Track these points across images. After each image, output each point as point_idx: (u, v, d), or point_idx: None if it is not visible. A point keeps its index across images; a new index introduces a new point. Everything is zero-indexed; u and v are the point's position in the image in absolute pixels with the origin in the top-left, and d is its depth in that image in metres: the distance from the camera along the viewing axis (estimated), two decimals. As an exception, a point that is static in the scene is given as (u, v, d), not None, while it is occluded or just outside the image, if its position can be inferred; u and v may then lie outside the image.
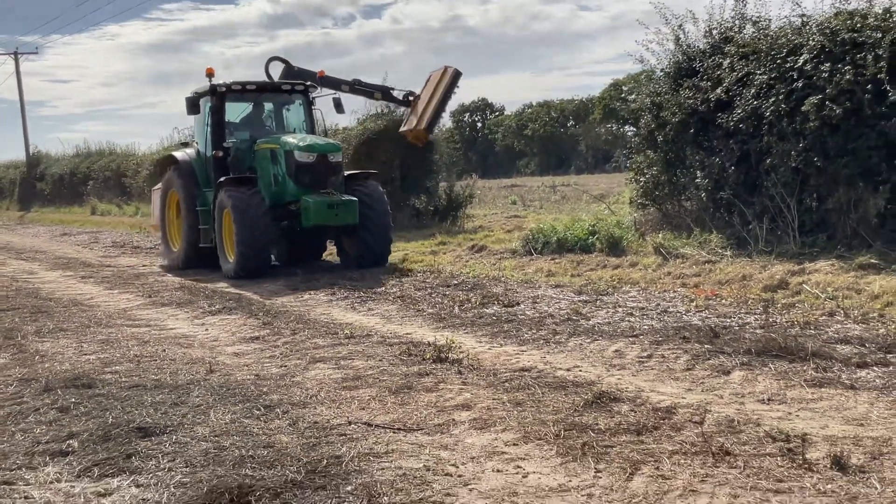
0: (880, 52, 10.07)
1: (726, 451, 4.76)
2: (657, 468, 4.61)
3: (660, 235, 12.54)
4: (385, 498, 4.36)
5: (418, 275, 12.95)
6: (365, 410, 5.99)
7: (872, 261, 9.64)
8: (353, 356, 7.77)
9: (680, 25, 13.37)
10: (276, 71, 18.36)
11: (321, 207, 13.50)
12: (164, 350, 8.37)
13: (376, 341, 8.38)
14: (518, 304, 10.09)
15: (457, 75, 16.70)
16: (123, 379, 7.09)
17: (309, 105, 15.79)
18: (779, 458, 4.64)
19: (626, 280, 11.25)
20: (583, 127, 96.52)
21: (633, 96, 14.54)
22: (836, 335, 7.41)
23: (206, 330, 9.55)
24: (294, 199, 13.93)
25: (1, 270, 16.74)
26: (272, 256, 14.87)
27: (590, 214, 16.37)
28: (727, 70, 11.99)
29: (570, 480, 4.53)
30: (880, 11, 10.56)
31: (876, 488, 4.20)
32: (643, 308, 9.34)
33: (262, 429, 5.58)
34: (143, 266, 16.75)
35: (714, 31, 13.03)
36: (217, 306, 11.02)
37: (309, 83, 16.10)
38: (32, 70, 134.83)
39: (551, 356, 7.42)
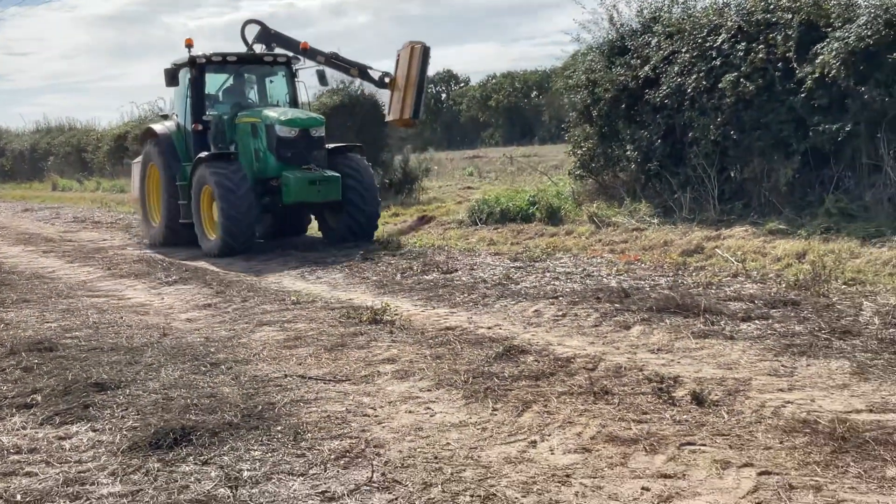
0: (790, 33, 10.84)
1: (606, 391, 5.53)
2: (545, 406, 5.35)
3: (594, 205, 13.31)
4: (309, 435, 5.07)
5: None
6: (301, 366, 6.69)
7: (780, 226, 10.45)
8: (296, 320, 8.45)
9: (614, 5, 14.09)
10: (252, 34, 17.24)
11: (302, 184, 13.29)
12: (122, 317, 9.00)
13: (320, 306, 9.06)
14: (456, 270, 10.80)
15: (426, 52, 16.39)
16: (82, 343, 7.73)
17: (292, 77, 15.44)
18: (650, 396, 5.40)
19: (560, 247, 11.99)
20: (546, 97, 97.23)
21: (568, 72, 15.22)
22: (732, 293, 8.21)
23: (162, 299, 10.18)
24: (276, 175, 13.68)
25: (-36, 246, 17.18)
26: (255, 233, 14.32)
27: (535, 185, 17.07)
28: (654, 49, 12.74)
29: (470, 417, 5.26)
30: (790, -6, 11.29)
31: (724, 418, 4.96)
32: (569, 273, 10.09)
33: (206, 383, 6.26)
34: (104, 240, 17.25)
35: (645, 11, 13.76)
36: (173, 277, 11.63)
37: (292, 55, 15.70)
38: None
39: (477, 317, 8.14)
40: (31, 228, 21.10)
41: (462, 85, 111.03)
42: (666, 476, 4.24)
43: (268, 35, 16.51)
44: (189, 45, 14.60)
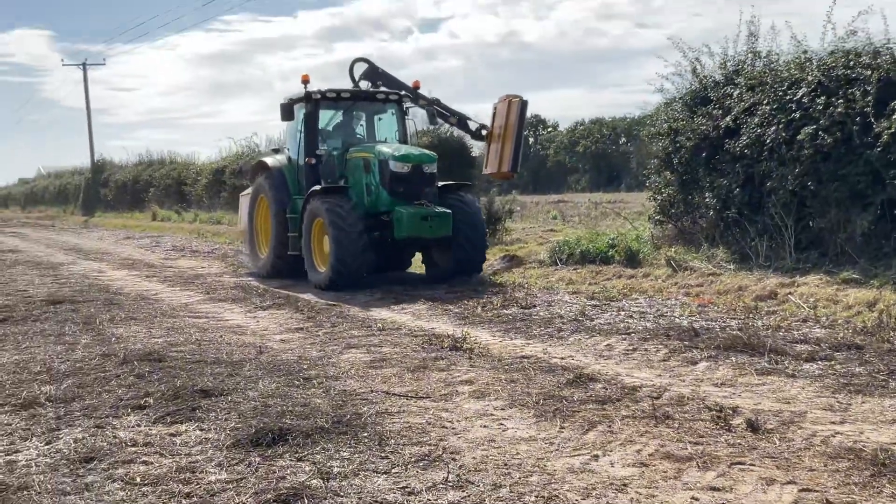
0: (868, 88, 11.12)
1: (668, 416, 5.95)
2: (609, 427, 5.80)
3: (672, 249, 13.66)
4: (392, 441, 5.61)
5: (451, 281, 14.13)
6: (385, 384, 7.25)
7: (854, 276, 10.67)
8: (382, 344, 9.03)
9: (697, 58, 14.50)
10: (359, 71, 16.99)
11: (415, 219, 13.41)
12: (221, 336, 9.71)
13: (404, 333, 9.64)
14: (534, 306, 11.27)
15: (524, 105, 16.19)
16: (187, 356, 8.44)
17: (402, 114, 15.70)
18: (708, 423, 5.81)
19: (637, 289, 12.38)
20: (634, 144, 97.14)
21: (651, 121, 15.64)
22: (799, 336, 8.51)
23: (258, 322, 10.89)
24: (387, 210, 13.81)
25: (73, 269, 18.31)
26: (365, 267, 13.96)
27: (616, 229, 17.45)
28: (736, 100, 13.09)
29: (539, 433, 5.73)
30: (871, 51, 11.57)
31: (775, 444, 5.34)
32: (643, 312, 10.48)
33: (300, 394, 6.86)
34: (202, 268, 18.17)
35: (728, 64, 14.13)
36: (268, 303, 12.36)
37: (403, 93, 15.89)
38: (96, 78, 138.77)
39: (552, 348, 8.61)
40: (133, 255, 22.26)
41: (550, 130, 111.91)
42: (715, 489, 4.65)
43: (375, 73, 16.66)
44: (305, 80, 14.92)
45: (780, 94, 12.26)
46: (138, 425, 6.17)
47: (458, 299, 12.06)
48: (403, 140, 15.45)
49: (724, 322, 9.56)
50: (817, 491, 4.54)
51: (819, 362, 7.44)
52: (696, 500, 4.52)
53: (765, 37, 14.00)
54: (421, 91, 16.33)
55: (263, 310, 11.84)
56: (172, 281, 15.68)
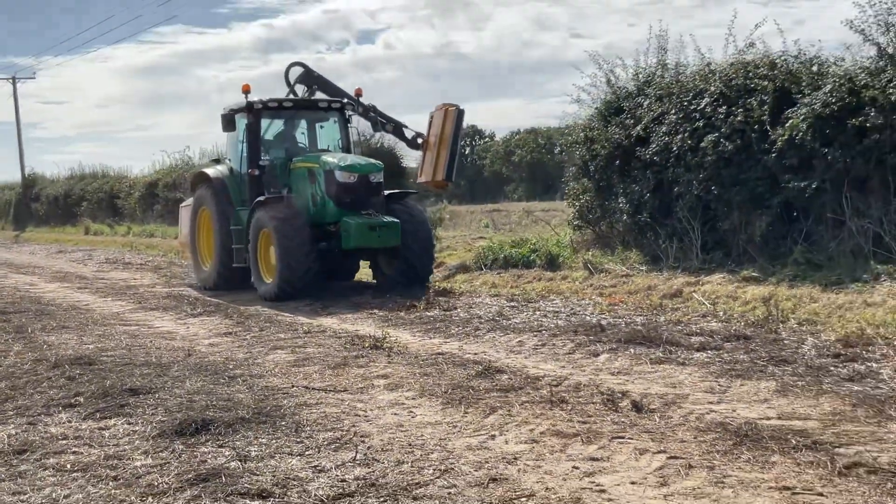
0: (765, 98, 11.86)
1: (563, 401, 6.50)
2: (508, 411, 6.32)
3: (589, 253, 14.29)
4: (308, 428, 6.06)
5: (372, 286, 14.56)
6: (307, 380, 7.69)
7: (754, 274, 11.37)
8: (306, 345, 9.47)
9: (612, 70, 15.19)
10: (295, 76, 17.00)
11: (363, 229, 13.33)
12: (151, 342, 10.05)
13: (329, 335, 10.07)
14: (456, 308, 11.77)
15: (460, 114, 16.18)
16: (117, 360, 8.78)
17: (345, 122, 15.55)
18: (598, 405, 6.36)
19: (555, 290, 12.97)
20: (568, 154, 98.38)
21: (567, 130, 16.29)
22: (696, 330, 9.14)
23: (188, 328, 11.23)
24: (334, 220, 13.74)
25: (4, 282, 18.37)
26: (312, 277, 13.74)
27: (540, 235, 18.05)
28: (646, 110, 13.78)
29: (444, 418, 6.23)
30: (767, 63, 12.33)
31: (654, 421, 5.91)
32: (557, 311, 11.06)
33: (224, 391, 7.27)
34: (134, 279, 18.36)
35: (640, 75, 14.83)
36: (198, 310, 12.69)
37: (346, 101, 15.80)
38: (26, 92, 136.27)
39: (467, 345, 9.12)
40: (65, 268, 22.30)
41: (486, 140, 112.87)
42: (594, 459, 5.20)
43: (310, 77, 16.61)
44: (246, 90, 14.74)
45: (686, 103, 12.96)
46: (69, 421, 6.53)
47: (382, 304, 12.50)
48: (347, 149, 15.37)
49: (629, 319, 10.17)
50: (683, 458, 5.10)
51: (709, 351, 8.06)
52: (577, 468, 5.05)
53: (674, 49, 14.71)
54: (360, 98, 16.29)
55: (194, 317, 12.17)
56: (104, 292, 15.89)
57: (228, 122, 14.97)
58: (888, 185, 10.66)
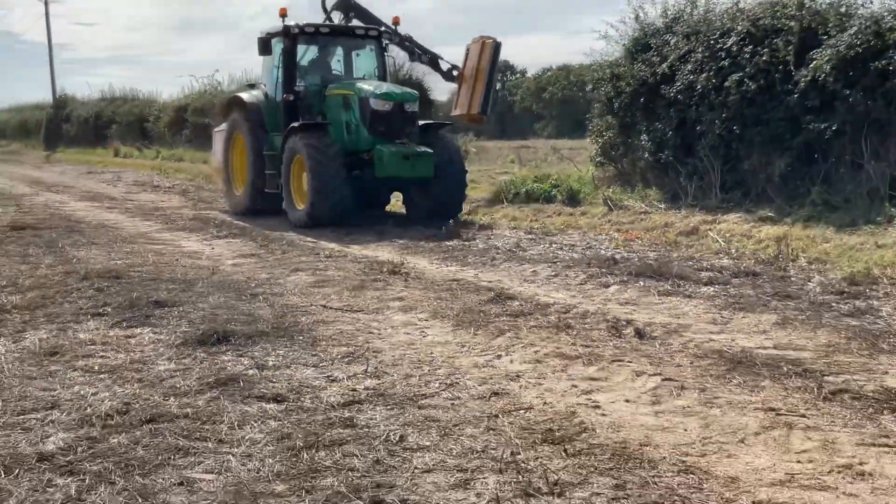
0: (791, 38, 11.86)
1: (569, 326, 6.74)
2: (516, 334, 6.58)
3: (610, 189, 14.43)
4: (323, 343, 6.36)
5: (400, 217, 14.80)
6: (325, 299, 7.98)
7: (770, 214, 11.48)
8: (327, 268, 9.75)
9: (641, 5, 15.15)
10: (331, 1, 16.56)
11: (396, 158, 13.23)
12: (177, 260, 10.37)
13: (349, 260, 10.35)
14: (475, 239, 12.01)
15: (497, 47, 15.83)
16: (144, 275, 9.11)
17: (381, 51, 15.38)
18: (602, 332, 6.60)
19: (574, 225, 13.15)
20: (595, 90, 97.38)
21: (594, 67, 16.30)
22: (707, 266, 9.33)
23: (213, 248, 11.55)
24: (367, 149, 13.63)
25: (35, 200, 18.78)
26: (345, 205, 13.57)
27: (563, 171, 18.15)
28: (673, 48, 13.79)
29: (454, 339, 6.51)
30: (795, 3, 12.29)
31: (655, 347, 6.15)
32: (573, 245, 11.27)
33: (246, 307, 7.57)
34: (162, 202, 18.70)
35: (669, 12, 14.79)
36: (224, 232, 13.00)
37: (383, 29, 15.61)
38: (58, 13, 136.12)
39: (483, 273, 9.37)
40: (95, 188, 22.70)
41: (518, 76, 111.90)
42: (592, 379, 5.45)
43: (347, 4, 16.31)
44: (283, 14, 14.58)
45: (712, 42, 12.97)
46: (97, 329, 6.85)
47: (403, 232, 12.73)
48: (383, 77, 15.24)
49: (643, 254, 10.38)
50: (677, 380, 5.34)
51: (716, 286, 8.26)
52: (575, 386, 5.31)
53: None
54: (397, 27, 15.98)
55: (219, 238, 12.49)
56: (133, 212, 16.24)
57: (265, 46, 14.71)
58: (907, 128, 10.70)
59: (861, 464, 4.05)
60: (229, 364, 5.79)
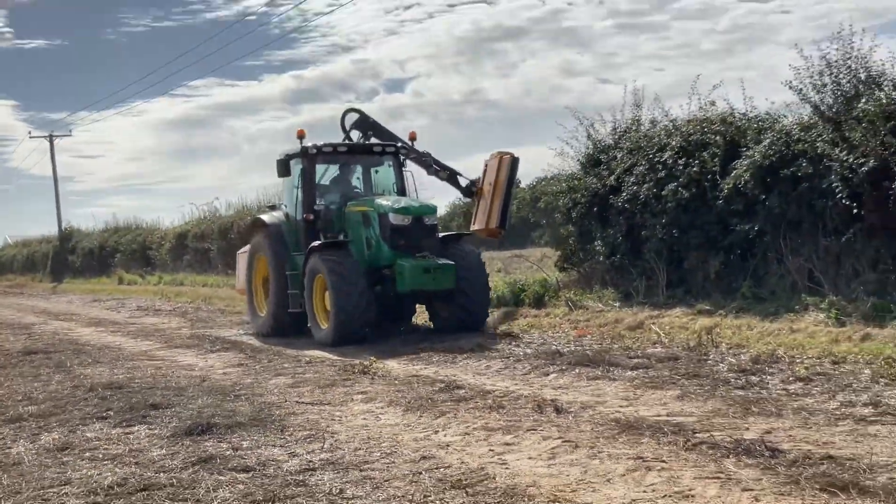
0: (717, 151, 13.35)
1: (501, 406, 7.96)
2: (455, 415, 7.79)
3: (571, 292, 15.72)
4: (291, 429, 7.56)
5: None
6: (299, 397, 9.20)
7: (707, 307, 12.75)
8: (305, 372, 10.98)
9: (592, 124, 16.69)
10: (350, 122, 17.01)
11: (417, 272, 13.40)
12: (173, 372, 11.61)
13: (327, 365, 11.57)
14: (444, 341, 13.22)
15: (514, 162, 16.24)
16: (143, 385, 10.34)
17: (399, 166, 15.67)
18: (528, 410, 7.81)
19: (537, 325, 14.39)
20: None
21: (552, 180, 17.78)
22: (639, 353, 10.56)
23: (206, 360, 12.79)
24: (388, 264, 13.81)
25: (44, 328, 20.09)
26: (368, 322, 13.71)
27: (533, 277, 19.44)
28: (619, 162, 15.29)
29: (402, 421, 7.71)
30: (719, 119, 13.83)
31: (567, 419, 7.34)
32: (530, 342, 12.49)
33: (229, 405, 8.78)
34: (163, 324, 20.00)
35: (617, 130, 16.34)
36: (217, 347, 14.25)
37: (400, 145, 15.99)
38: (62, 146, 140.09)
39: (442, 370, 10.59)
40: (100, 315, 24.04)
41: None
42: (507, 444, 6.65)
43: (366, 123, 16.69)
44: (301, 136, 14.90)
45: (651, 156, 14.46)
46: (101, 428, 8.07)
47: (382, 339, 13.92)
48: (402, 192, 15.46)
49: (588, 346, 11.60)
50: (574, 442, 6.54)
51: (640, 370, 9.49)
52: (492, 450, 6.50)
53: (648, 105, 16.18)
54: (414, 143, 16.31)
55: (212, 352, 13.73)
56: (135, 334, 17.52)
57: (284, 168, 15.03)
58: (817, 226, 12.02)
59: (690, 490, 5.24)
60: (210, 448, 6.99)
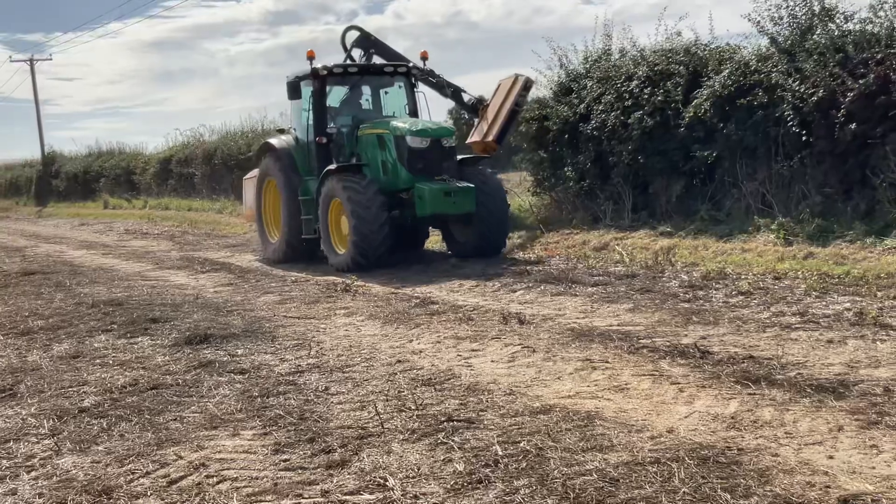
0: (680, 80, 14.05)
1: (470, 318, 8.81)
2: (429, 326, 8.63)
3: (543, 215, 16.53)
4: (280, 338, 8.40)
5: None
6: (286, 312, 10.03)
7: (668, 230, 13.61)
8: (291, 290, 11.79)
9: (565, 54, 17.32)
10: (351, 40, 16.73)
11: (437, 195, 13.08)
12: (167, 290, 12.40)
13: (311, 283, 12.38)
14: (420, 262, 14.04)
15: (528, 84, 16.16)
16: (141, 302, 11.14)
17: (411, 87, 15.30)
18: (494, 321, 8.66)
19: (509, 247, 15.22)
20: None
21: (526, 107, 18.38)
22: (600, 272, 11.41)
23: (197, 280, 13.58)
24: (406, 188, 13.52)
25: (36, 250, 20.80)
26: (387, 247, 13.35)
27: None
28: (589, 91, 15.97)
29: (381, 331, 8.56)
30: (682, 50, 14.51)
31: (529, 328, 8.20)
32: (501, 262, 13.32)
33: (223, 319, 9.61)
34: (151, 247, 20.73)
35: (588, 59, 16.97)
36: (206, 268, 15.03)
37: (412, 65, 15.58)
38: (39, 69, 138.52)
39: (419, 288, 11.41)
40: (89, 238, 24.72)
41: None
42: (473, 350, 7.51)
43: (367, 42, 16.43)
44: (311, 56, 14.48)
45: (619, 85, 15.15)
46: (107, 340, 8.88)
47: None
48: (413, 113, 15.11)
49: (555, 265, 12.45)
50: (532, 347, 7.40)
51: (599, 287, 10.34)
52: (460, 355, 7.35)
53: (618, 35, 16.81)
54: (416, 62, 15.96)
55: (202, 273, 14.51)
56: (126, 257, 18.26)
57: (294, 90, 14.57)
58: (771, 152, 12.82)
59: (627, 384, 6.11)
60: (209, 354, 7.82)
